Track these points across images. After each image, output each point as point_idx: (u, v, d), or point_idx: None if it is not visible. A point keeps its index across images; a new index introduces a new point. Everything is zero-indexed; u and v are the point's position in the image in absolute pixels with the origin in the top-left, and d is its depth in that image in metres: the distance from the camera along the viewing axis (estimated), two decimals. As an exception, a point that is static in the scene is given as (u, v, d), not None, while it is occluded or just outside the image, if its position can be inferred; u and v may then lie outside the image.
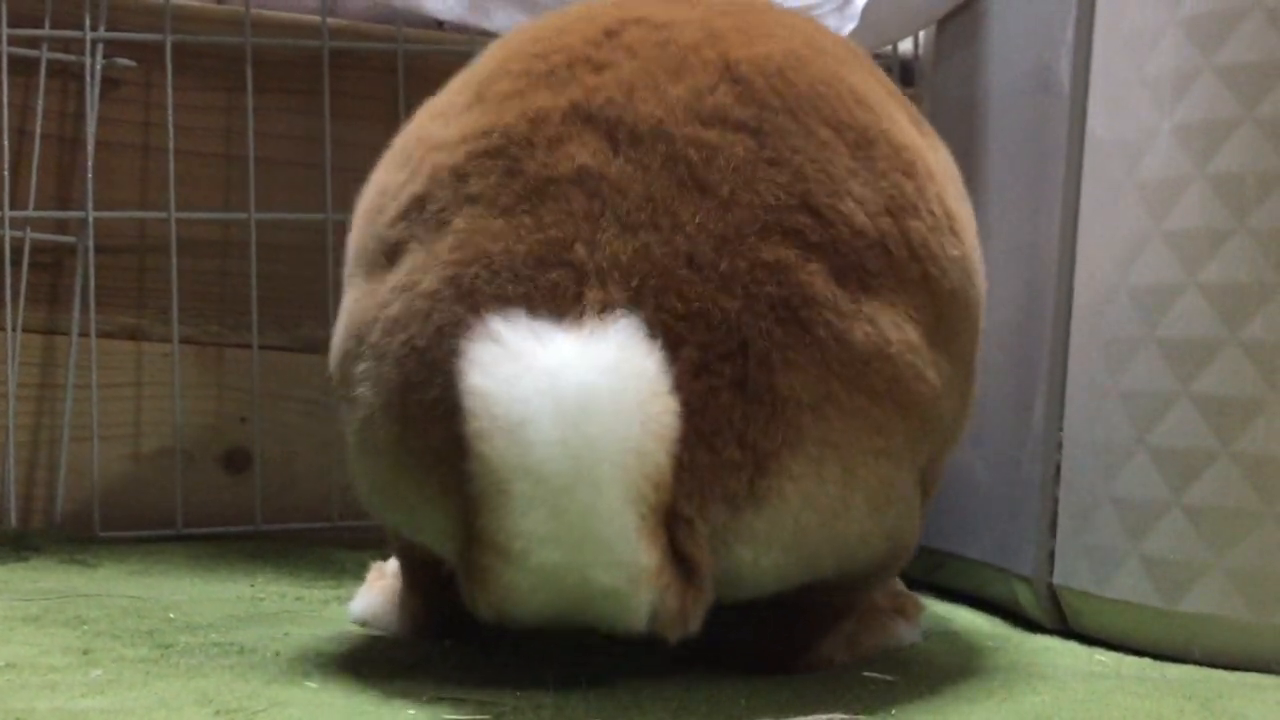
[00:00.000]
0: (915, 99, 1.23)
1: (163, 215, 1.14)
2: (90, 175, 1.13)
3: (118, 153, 1.17)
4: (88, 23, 1.13)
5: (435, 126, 0.69)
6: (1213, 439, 0.81)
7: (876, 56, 1.26)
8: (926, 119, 1.09)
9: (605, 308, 0.60)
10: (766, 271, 0.62)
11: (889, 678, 0.72)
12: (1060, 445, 0.89)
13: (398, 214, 0.68)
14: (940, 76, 1.14)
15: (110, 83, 1.16)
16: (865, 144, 0.67)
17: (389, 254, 0.67)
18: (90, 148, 1.13)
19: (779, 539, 0.63)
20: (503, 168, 0.65)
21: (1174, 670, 0.79)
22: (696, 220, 0.62)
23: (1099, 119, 0.88)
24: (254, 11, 1.17)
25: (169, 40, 1.14)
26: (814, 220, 0.64)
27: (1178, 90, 0.83)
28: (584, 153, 0.64)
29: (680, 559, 0.61)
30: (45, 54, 1.14)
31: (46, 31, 1.13)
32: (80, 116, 1.15)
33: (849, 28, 1.10)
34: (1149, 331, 0.84)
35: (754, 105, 0.66)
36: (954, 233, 0.70)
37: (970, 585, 1.02)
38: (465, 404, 0.58)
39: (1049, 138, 0.92)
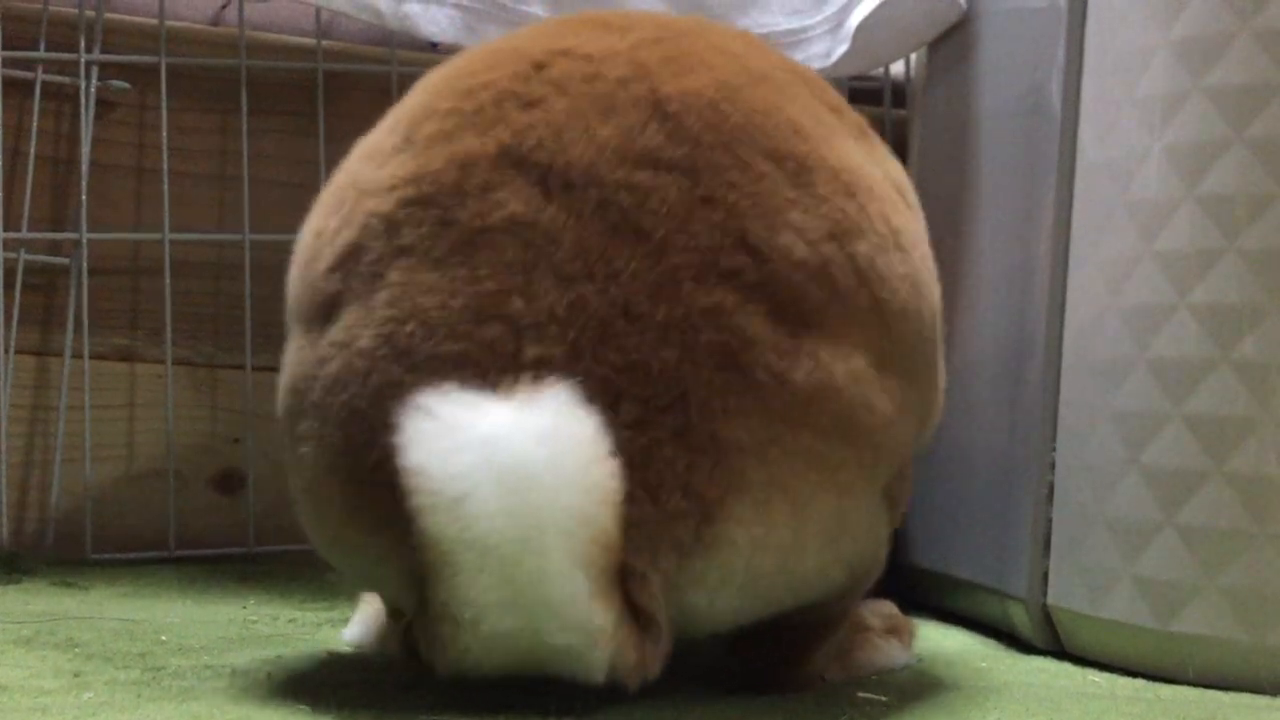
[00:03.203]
0: (906, 121, 1.23)
1: (157, 236, 1.14)
2: (84, 197, 1.13)
3: (112, 174, 1.17)
4: (83, 45, 1.13)
5: (367, 169, 0.68)
6: (1205, 459, 0.81)
7: (867, 79, 1.27)
8: (918, 141, 1.09)
9: (541, 366, 0.60)
10: (704, 318, 0.61)
11: (882, 698, 0.72)
12: (1053, 466, 0.89)
13: (333, 263, 0.67)
14: (932, 98, 1.15)
15: (105, 104, 1.16)
16: (804, 171, 0.66)
17: (325, 306, 0.67)
18: (85, 169, 1.13)
19: (731, 582, 0.63)
20: (434, 218, 0.64)
21: (1168, 691, 0.79)
22: (631, 268, 0.62)
23: (1090, 140, 0.89)
24: (248, 34, 1.18)
25: (164, 62, 1.14)
26: (751, 259, 0.63)
27: (1168, 112, 0.84)
28: (515, 200, 0.63)
29: (635, 611, 0.61)
30: (40, 76, 1.14)
31: (41, 54, 1.14)
32: (75, 138, 1.15)
33: (840, 50, 1.10)
34: (1140, 352, 0.84)
35: (686, 143, 0.64)
36: (900, 248, 0.69)
37: (963, 606, 1.02)
38: (403, 482, 0.57)
39: (1040, 159, 0.93)
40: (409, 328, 0.62)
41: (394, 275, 0.64)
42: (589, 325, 0.61)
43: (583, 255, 0.62)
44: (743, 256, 0.63)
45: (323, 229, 0.69)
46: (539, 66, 0.68)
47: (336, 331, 0.65)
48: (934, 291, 0.74)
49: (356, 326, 0.64)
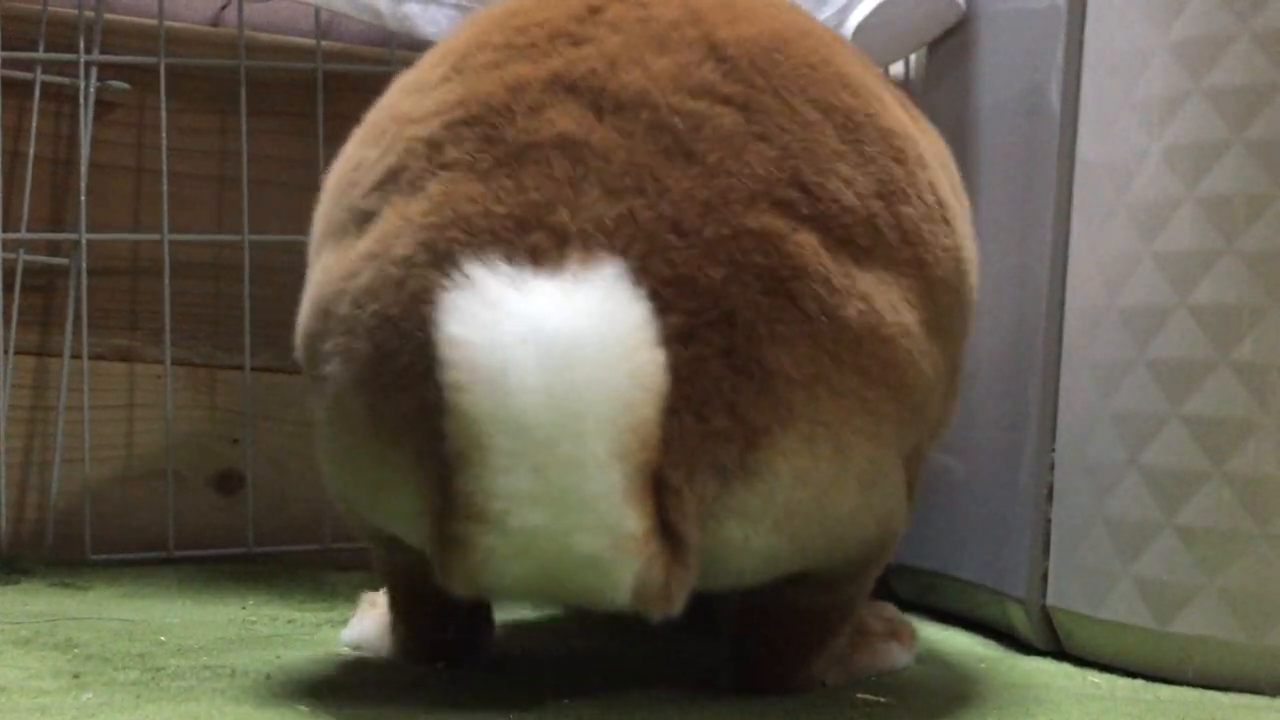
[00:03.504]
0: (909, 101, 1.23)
1: (156, 237, 1.14)
2: (84, 197, 1.13)
3: (111, 175, 1.17)
4: (82, 45, 1.13)
5: (410, 102, 0.67)
6: (1204, 460, 0.81)
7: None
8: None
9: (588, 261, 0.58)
10: (753, 240, 0.60)
11: (881, 699, 0.72)
12: (1052, 466, 0.89)
13: (371, 186, 0.65)
14: (931, 99, 1.15)
15: (104, 105, 1.16)
16: (853, 127, 0.65)
17: (359, 222, 0.65)
18: (84, 170, 1.13)
19: (770, 515, 0.61)
20: (479, 134, 0.63)
21: (1167, 692, 0.79)
22: (683, 186, 0.61)
23: (1089, 141, 0.89)
24: (248, 34, 1.18)
25: (163, 63, 1.14)
26: (804, 195, 0.62)
27: (1167, 113, 0.84)
28: (566, 119, 0.62)
29: (667, 531, 0.58)
30: (39, 76, 1.14)
31: (41, 54, 1.14)
32: (74, 139, 1.15)
33: (840, 51, 1.10)
34: (1140, 353, 0.84)
35: (740, 83, 0.64)
36: (946, 222, 0.69)
37: (962, 606, 1.02)
38: (441, 354, 0.55)
39: (1039, 160, 0.93)
40: (450, 233, 0.60)
41: (435, 186, 0.62)
42: (637, 237, 0.59)
43: (633, 171, 0.61)
44: (795, 191, 0.62)
45: (362, 160, 0.68)
46: (594, 10, 0.67)
47: (368, 242, 0.63)
48: (975, 279, 0.73)
49: (391, 235, 0.62)
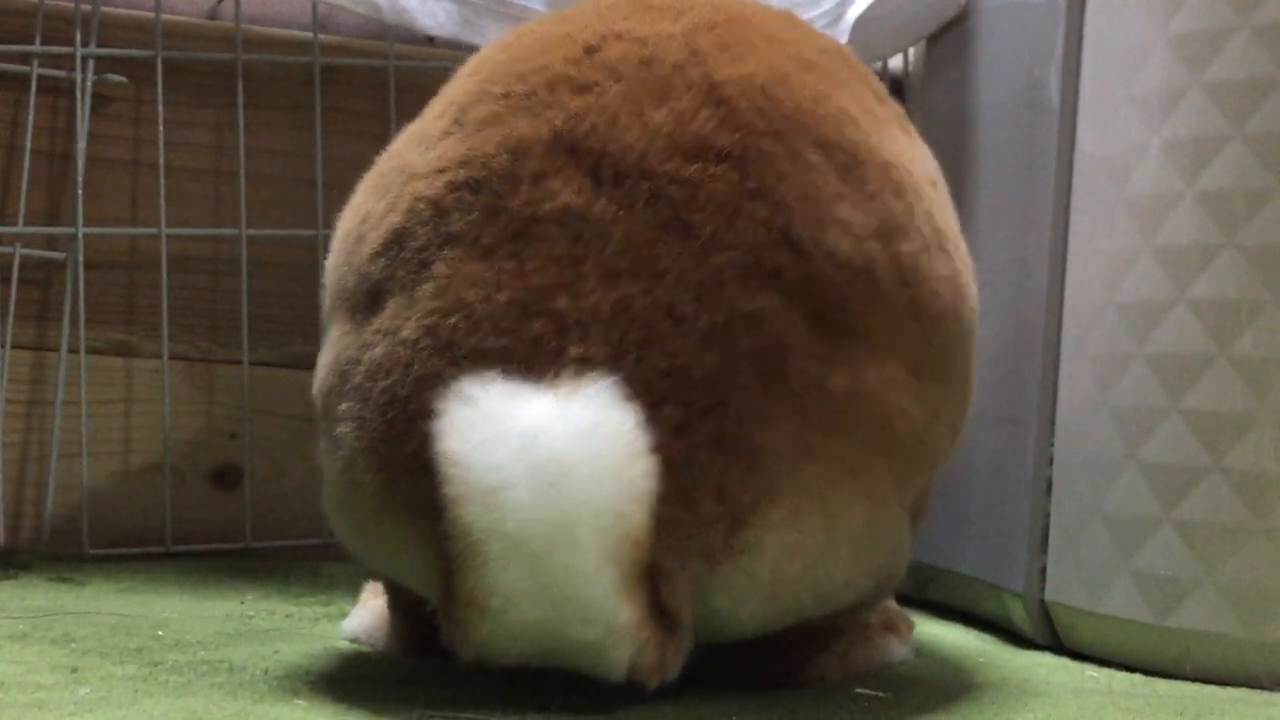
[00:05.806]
0: (905, 115, 1.23)
1: (153, 231, 1.14)
2: (80, 191, 1.12)
3: (108, 169, 1.17)
4: (79, 39, 1.13)
5: (414, 153, 0.68)
6: (1203, 454, 0.81)
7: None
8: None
9: (584, 365, 0.60)
10: (746, 324, 0.61)
11: (881, 694, 0.72)
12: (1051, 461, 0.89)
13: (378, 248, 0.66)
14: (930, 92, 1.15)
15: (101, 99, 1.16)
16: (854, 165, 0.66)
17: (371, 294, 0.66)
18: (80, 164, 1.13)
19: (757, 589, 0.62)
20: (484, 204, 0.63)
21: (1165, 686, 0.79)
22: (677, 268, 0.61)
23: (1088, 135, 0.89)
24: (245, 28, 1.17)
25: (160, 56, 1.14)
26: (794, 257, 0.63)
27: (1166, 107, 0.84)
28: (567, 190, 0.63)
29: (660, 611, 0.60)
30: (36, 70, 1.13)
31: (37, 48, 1.13)
32: (71, 132, 1.15)
33: (839, 45, 1.10)
34: (1139, 347, 0.84)
35: (739, 130, 0.64)
36: (944, 250, 0.69)
37: (961, 601, 1.02)
38: (440, 468, 0.57)
39: (1038, 154, 0.93)
40: (453, 320, 0.62)
41: (440, 266, 0.63)
42: (633, 326, 0.61)
43: (630, 251, 0.62)
44: (784, 254, 0.62)
45: (369, 212, 0.69)
46: (591, 50, 0.67)
47: (381, 320, 0.65)
48: (973, 292, 0.73)
49: (400, 316, 0.64)
